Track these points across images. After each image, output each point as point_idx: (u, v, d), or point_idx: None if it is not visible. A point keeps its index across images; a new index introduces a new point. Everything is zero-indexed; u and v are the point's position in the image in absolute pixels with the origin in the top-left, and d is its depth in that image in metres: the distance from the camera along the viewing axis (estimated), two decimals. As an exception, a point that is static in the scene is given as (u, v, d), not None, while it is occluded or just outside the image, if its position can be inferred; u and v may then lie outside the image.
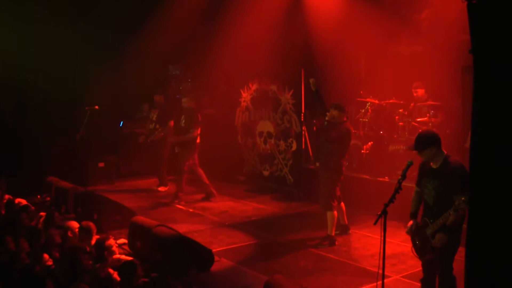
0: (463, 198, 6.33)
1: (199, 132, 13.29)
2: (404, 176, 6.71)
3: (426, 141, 6.99)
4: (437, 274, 7.12)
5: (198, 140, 13.37)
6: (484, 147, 3.70)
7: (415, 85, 12.35)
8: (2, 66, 13.28)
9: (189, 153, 13.30)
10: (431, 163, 7.05)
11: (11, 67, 13.44)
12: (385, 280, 6.56)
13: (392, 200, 6.54)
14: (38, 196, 12.78)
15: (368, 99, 13.34)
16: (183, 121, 13.51)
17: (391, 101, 13.00)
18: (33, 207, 10.78)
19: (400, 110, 12.66)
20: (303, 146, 14.30)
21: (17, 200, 10.98)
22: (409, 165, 6.91)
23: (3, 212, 10.26)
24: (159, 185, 15.05)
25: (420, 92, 12.27)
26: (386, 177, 12.20)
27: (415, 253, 7.37)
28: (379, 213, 6.53)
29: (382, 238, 6.42)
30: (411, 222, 7.32)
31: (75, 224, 9.36)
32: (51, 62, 13.79)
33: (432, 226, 6.95)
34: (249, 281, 8.68)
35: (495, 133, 3.60)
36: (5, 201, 10.89)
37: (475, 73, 3.72)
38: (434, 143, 6.95)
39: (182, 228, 10.67)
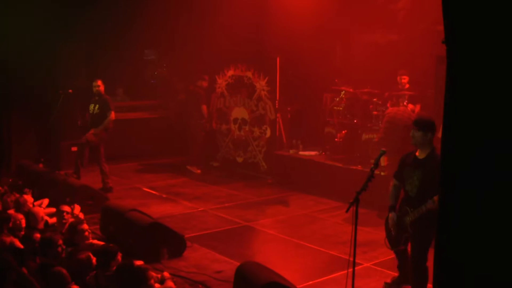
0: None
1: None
2: (376, 165, 6.74)
3: (427, 124, 7.04)
4: (411, 263, 7.27)
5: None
6: (454, 140, 3.73)
7: (400, 72, 12.40)
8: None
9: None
10: (417, 153, 7.16)
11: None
12: (356, 268, 6.61)
13: (364, 188, 6.58)
14: (10, 180, 12.68)
15: (342, 88, 13.37)
16: None
17: (365, 90, 13.05)
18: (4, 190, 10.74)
19: (375, 99, 12.72)
20: (277, 133, 14.33)
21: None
22: (382, 153, 6.97)
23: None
24: (192, 166, 15.26)
25: (406, 79, 12.31)
26: (359, 166, 12.27)
27: (388, 244, 7.57)
28: (351, 201, 6.57)
29: (354, 225, 6.46)
30: (391, 215, 7.40)
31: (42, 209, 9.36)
32: (24, 44, 13.62)
33: (413, 213, 7.05)
34: (222, 267, 8.70)
35: (465, 125, 3.63)
36: None
37: (447, 64, 3.74)
38: (431, 130, 7.02)
39: (155, 213, 10.65)
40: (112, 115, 13.07)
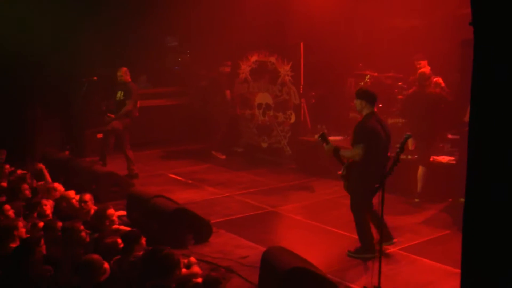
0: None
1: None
2: (402, 149, 6.73)
3: (362, 94, 8.36)
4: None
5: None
6: (483, 122, 3.68)
7: (416, 57, 12.27)
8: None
9: None
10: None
11: (7, 41, 13.31)
12: (383, 253, 6.60)
13: (390, 172, 6.56)
14: (36, 167, 12.76)
15: (367, 72, 13.29)
16: None
17: (390, 74, 12.96)
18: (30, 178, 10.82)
19: (399, 83, 12.62)
20: (302, 118, 14.28)
21: (19, 171, 11.02)
22: (407, 138, 6.95)
23: (5, 184, 10.27)
24: (217, 152, 15.33)
25: (423, 63, 12.13)
26: (384, 150, 12.19)
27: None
28: (377, 185, 6.55)
29: (380, 210, 6.45)
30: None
31: (72, 195, 9.41)
32: (47, 33, 13.66)
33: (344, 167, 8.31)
34: (247, 252, 8.72)
35: (494, 108, 3.58)
36: (7, 171, 10.90)
37: (474, 48, 3.69)
38: (365, 98, 8.29)
39: (180, 199, 10.66)
40: (130, 105, 13.10)
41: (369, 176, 7.95)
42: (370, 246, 8.26)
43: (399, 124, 12.22)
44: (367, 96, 8.31)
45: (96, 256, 6.66)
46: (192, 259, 7.51)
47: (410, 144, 10.87)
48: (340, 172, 8.43)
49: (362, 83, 13.35)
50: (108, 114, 13.27)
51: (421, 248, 8.76)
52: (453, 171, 10.79)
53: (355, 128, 8.22)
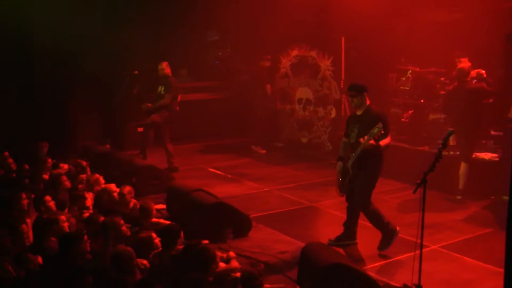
0: (377, 125, 7.77)
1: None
2: (445, 145, 6.62)
3: (361, 88, 8.34)
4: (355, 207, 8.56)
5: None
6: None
7: (457, 54, 12.11)
8: (41, 39, 13.31)
9: None
10: (357, 112, 8.41)
11: (48, 36, 13.45)
12: (423, 250, 6.51)
13: (432, 168, 6.47)
14: (78, 160, 12.88)
15: (409, 67, 13.15)
16: None
17: (432, 69, 12.80)
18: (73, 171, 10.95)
19: (442, 79, 12.47)
20: (343, 113, 14.18)
21: (60, 165, 11.15)
22: (450, 133, 6.86)
23: (46, 176, 10.39)
24: (257, 146, 15.38)
25: (464, 60, 11.94)
26: (426, 146, 12.06)
27: (338, 191, 8.73)
28: (418, 182, 6.47)
29: (421, 207, 6.36)
30: (338, 163, 8.60)
31: (113, 188, 9.48)
32: (87, 27, 13.77)
33: (352, 156, 8.22)
34: (286, 247, 8.69)
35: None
36: (49, 164, 11.03)
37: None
38: (363, 90, 8.32)
39: (219, 193, 10.67)
40: (168, 99, 13.13)
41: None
42: (389, 230, 8.45)
43: (441, 120, 12.08)
44: (364, 87, 8.39)
45: (125, 249, 6.69)
46: (231, 253, 7.51)
47: (452, 140, 10.72)
48: (339, 182, 8.61)
49: (404, 78, 13.24)
50: (146, 104, 13.32)
51: (462, 246, 8.65)
52: (495, 168, 10.64)
53: (381, 119, 8.07)
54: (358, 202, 8.48)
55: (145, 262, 6.86)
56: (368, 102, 8.35)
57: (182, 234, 7.29)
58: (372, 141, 7.91)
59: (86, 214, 8.39)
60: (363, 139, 7.98)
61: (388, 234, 8.43)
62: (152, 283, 5.99)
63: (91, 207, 8.96)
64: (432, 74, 12.80)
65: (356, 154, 8.16)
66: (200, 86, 17.56)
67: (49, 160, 11.22)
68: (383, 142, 8.04)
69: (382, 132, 7.86)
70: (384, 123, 7.96)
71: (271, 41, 15.97)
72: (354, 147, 8.24)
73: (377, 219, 8.48)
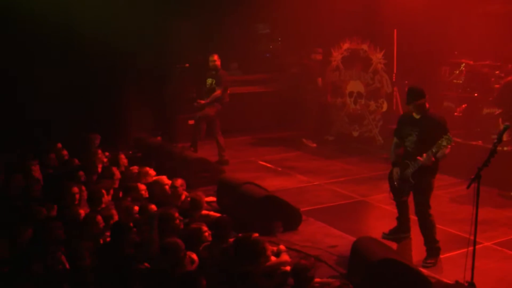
0: (445, 137, 7.49)
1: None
2: (500, 140, 6.52)
3: (420, 93, 7.91)
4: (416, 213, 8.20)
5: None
6: None
7: None
8: (92, 35, 13.48)
9: None
10: (413, 114, 8.03)
11: (100, 32, 13.61)
12: (476, 247, 6.41)
13: (486, 164, 6.36)
14: (130, 152, 13.05)
15: (462, 60, 12.95)
16: None
17: (486, 62, 12.58)
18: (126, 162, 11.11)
19: (496, 72, 12.24)
20: (394, 107, 14.04)
21: (112, 156, 11.33)
22: (506, 128, 6.74)
23: (99, 168, 10.55)
24: (308, 140, 15.35)
25: None
26: (480, 141, 11.86)
27: (391, 196, 8.56)
28: (472, 177, 6.37)
29: (475, 202, 6.26)
30: (395, 169, 8.27)
31: (165, 180, 9.56)
32: (139, 21, 13.89)
33: (413, 165, 7.89)
34: (336, 242, 8.67)
35: None
36: (101, 156, 11.19)
37: None
38: (424, 96, 7.91)
39: (269, 186, 10.69)
40: (219, 92, 13.17)
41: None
42: (436, 248, 8.09)
43: (495, 113, 11.86)
44: (423, 92, 7.97)
45: (174, 240, 6.73)
46: (282, 247, 7.51)
47: (506, 135, 10.52)
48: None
49: (457, 72, 13.04)
50: (198, 100, 13.38)
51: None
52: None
53: (440, 122, 7.88)
54: (424, 204, 8.10)
55: (193, 255, 6.90)
56: (427, 105, 8.03)
57: (231, 227, 7.33)
58: (433, 158, 7.69)
59: (137, 208, 8.47)
60: (421, 157, 7.72)
61: (432, 251, 8.09)
62: (196, 275, 6.00)
63: (144, 199, 9.03)
64: (487, 67, 12.58)
65: (417, 163, 7.82)
66: (250, 79, 17.58)
67: (100, 151, 11.39)
68: (441, 154, 7.68)
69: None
70: (446, 131, 7.72)
71: (322, 34, 15.89)
72: (414, 155, 7.90)
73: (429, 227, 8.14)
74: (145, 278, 6.32)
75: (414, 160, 7.86)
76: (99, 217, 7.60)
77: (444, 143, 7.52)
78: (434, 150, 7.59)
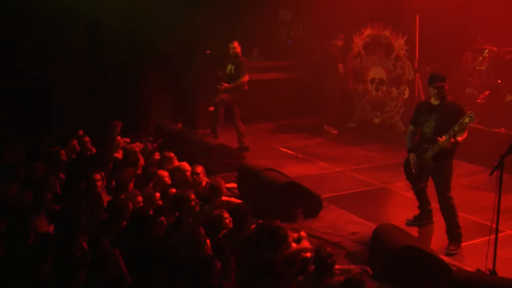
0: (468, 114, 7.51)
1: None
2: (523, 127, 6.46)
3: (443, 78, 7.93)
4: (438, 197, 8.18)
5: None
6: None
7: None
8: (112, 21, 13.52)
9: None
10: (431, 100, 8.10)
11: (121, 18, 13.64)
12: (498, 235, 6.37)
13: (510, 151, 6.31)
14: (151, 139, 13.09)
15: (486, 46, 12.83)
16: None
17: (510, 48, 12.46)
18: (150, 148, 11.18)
19: (520, 58, 12.13)
20: (416, 94, 13.95)
21: (134, 144, 11.40)
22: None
23: (119, 155, 10.60)
24: (329, 126, 15.34)
25: None
26: (503, 128, 11.76)
27: (409, 184, 8.58)
28: (495, 164, 6.32)
29: (497, 190, 6.22)
30: (411, 155, 8.34)
31: (187, 167, 9.58)
32: (161, 8, 13.90)
33: (433, 148, 7.87)
34: (357, 228, 8.66)
35: None
36: (122, 142, 11.24)
37: None
38: (445, 80, 7.93)
39: (290, 173, 10.66)
40: (245, 77, 13.14)
41: None
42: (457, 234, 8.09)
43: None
44: (444, 78, 8.01)
45: (194, 226, 6.77)
46: (303, 233, 7.51)
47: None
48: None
49: (480, 58, 12.92)
50: (222, 83, 13.35)
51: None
52: None
53: (459, 108, 7.89)
54: (445, 186, 8.11)
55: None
56: (446, 90, 8.02)
57: (250, 214, 7.33)
58: (452, 139, 7.67)
59: (158, 194, 8.51)
60: (441, 138, 7.70)
61: (454, 237, 8.09)
62: (210, 259, 6.01)
63: (167, 186, 9.06)
64: (510, 54, 12.46)
65: (437, 146, 7.82)
66: (272, 66, 17.55)
67: (119, 138, 11.44)
68: (461, 138, 7.72)
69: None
70: (462, 112, 7.76)
71: (344, 20, 15.78)
72: (433, 140, 7.90)
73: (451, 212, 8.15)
74: (166, 265, 6.35)
75: (433, 144, 7.87)
76: (129, 203, 7.64)
77: (467, 120, 7.50)
78: (456, 129, 7.58)
